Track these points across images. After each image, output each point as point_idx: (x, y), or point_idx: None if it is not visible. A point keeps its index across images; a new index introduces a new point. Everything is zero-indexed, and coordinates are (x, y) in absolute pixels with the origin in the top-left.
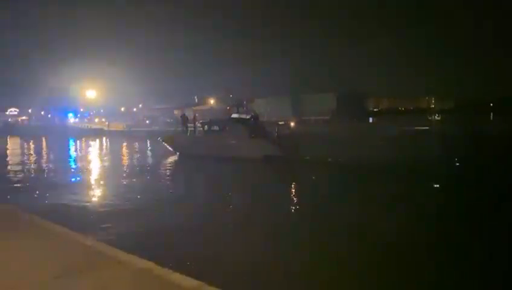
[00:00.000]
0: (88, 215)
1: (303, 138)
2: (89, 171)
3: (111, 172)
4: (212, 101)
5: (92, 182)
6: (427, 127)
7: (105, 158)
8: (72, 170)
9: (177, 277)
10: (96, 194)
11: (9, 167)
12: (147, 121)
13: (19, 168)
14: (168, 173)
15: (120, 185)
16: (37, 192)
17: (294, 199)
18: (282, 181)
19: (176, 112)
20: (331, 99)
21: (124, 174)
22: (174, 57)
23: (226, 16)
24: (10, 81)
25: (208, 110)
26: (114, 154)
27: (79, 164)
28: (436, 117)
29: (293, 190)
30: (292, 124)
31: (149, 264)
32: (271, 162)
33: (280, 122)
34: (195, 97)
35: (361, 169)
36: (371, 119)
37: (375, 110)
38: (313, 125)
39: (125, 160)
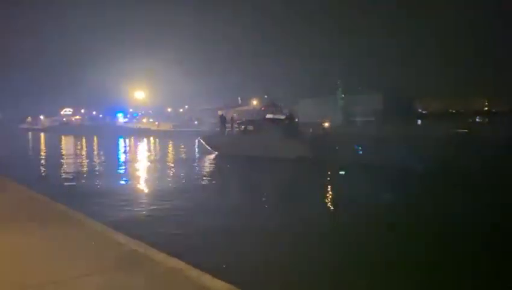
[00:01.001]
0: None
1: (340, 139)
2: (134, 167)
3: (155, 167)
4: (255, 102)
5: (139, 175)
6: (467, 130)
7: (150, 155)
8: (120, 164)
9: (207, 279)
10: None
11: (64, 160)
12: (195, 122)
13: (72, 160)
14: (204, 172)
15: (157, 189)
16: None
17: (331, 201)
18: (315, 183)
19: (219, 112)
20: (378, 100)
21: (162, 174)
22: (221, 58)
23: (271, 16)
24: (65, 82)
25: (249, 111)
26: (158, 152)
27: (126, 158)
28: (486, 119)
29: (328, 193)
30: (327, 124)
31: (181, 264)
32: (303, 163)
33: (323, 123)
34: (239, 98)
35: (399, 172)
36: (419, 122)
37: (423, 112)
38: (357, 127)
39: (167, 159)
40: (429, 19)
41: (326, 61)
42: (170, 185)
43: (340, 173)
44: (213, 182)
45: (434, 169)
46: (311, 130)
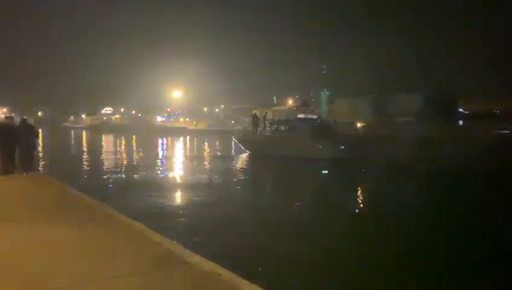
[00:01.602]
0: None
1: (375, 140)
2: (169, 164)
3: (188, 164)
4: (290, 102)
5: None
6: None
7: (184, 153)
8: (156, 161)
9: (245, 284)
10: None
11: (106, 155)
12: (232, 121)
13: (114, 155)
14: (233, 171)
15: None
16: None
17: (364, 203)
18: (346, 185)
19: (254, 111)
20: (417, 100)
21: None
22: (258, 57)
23: (309, 15)
24: (106, 82)
25: (284, 110)
26: (193, 151)
27: (162, 155)
28: None
29: (359, 195)
30: (360, 124)
31: (217, 268)
32: (334, 163)
33: (356, 123)
34: (274, 97)
35: (433, 173)
36: (460, 122)
37: (466, 112)
38: (395, 127)
39: (200, 157)
40: (473, 18)
41: (365, 60)
42: (200, 181)
43: (373, 173)
44: (241, 180)
45: (472, 170)
46: (344, 130)
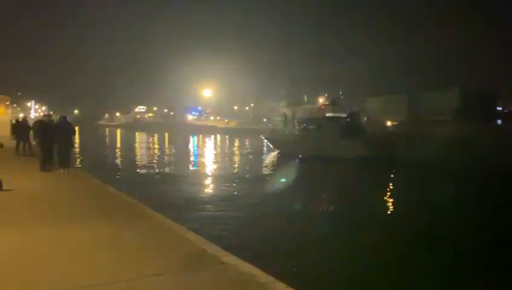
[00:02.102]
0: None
1: (405, 138)
2: (199, 160)
3: (218, 161)
4: (321, 100)
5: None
6: None
7: (215, 151)
8: (188, 157)
9: (281, 287)
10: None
11: (141, 151)
12: (264, 119)
13: (147, 151)
14: (261, 169)
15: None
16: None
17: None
18: (374, 185)
19: (285, 110)
20: (454, 98)
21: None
22: (288, 56)
23: (340, 14)
24: (140, 82)
25: (314, 109)
26: (223, 149)
27: (193, 152)
28: None
29: (388, 196)
30: (389, 123)
31: (253, 270)
32: (363, 162)
33: (386, 122)
34: (305, 96)
35: (462, 173)
36: (499, 121)
37: (505, 111)
38: (429, 126)
39: (230, 155)
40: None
41: (398, 58)
42: (227, 177)
43: (400, 173)
44: (267, 178)
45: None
46: (373, 128)
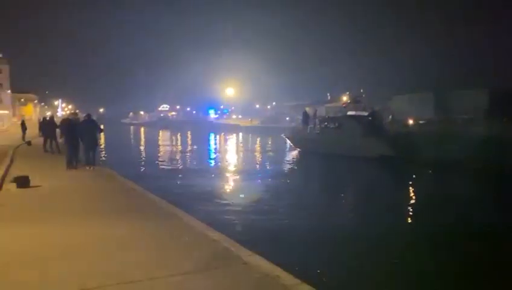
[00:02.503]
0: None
1: (430, 137)
2: (220, 158)
3: (238, 159)
4: (344, 98)
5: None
6: None
7: (236, 150)
8: (210, 154)
9: (306, 289)
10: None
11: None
12: (287, 118)
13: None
14: (280, 166)
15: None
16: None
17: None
18: (394, 185)
19: (307, 109)
20: (482, 97)
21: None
22: (311, 53)
23: (362, 12)
24: (163, 80)
25: (337, 107)
26: (244, 147)
27: (214, 150)
28: None
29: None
30: (411, 121)
31: (276, 271)
32: (385, 162)
33: (407, 120)
34: (328, 94)
35: (482, 173)
36: None
37: None
38: (455, 125)
39: (250, 153)
40: None
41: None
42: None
43: (421, 172)
44: (287, 175)
45: None
46: (398, 127)
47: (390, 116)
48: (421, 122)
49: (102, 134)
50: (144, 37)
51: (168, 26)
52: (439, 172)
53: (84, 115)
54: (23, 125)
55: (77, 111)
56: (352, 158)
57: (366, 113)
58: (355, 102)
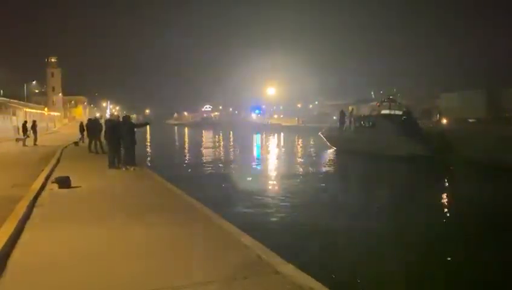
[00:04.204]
0: None
1: (467, 137)
2: (255, 156)
3: (275, 157)
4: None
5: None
6: None
7: (275, 148)
8: (250, 153)
9: None
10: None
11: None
12: (334, 117)
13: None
14: (310, 165)
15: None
16: None
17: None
18: (427, 186)
19: (350, 108)
20: None
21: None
22: (356, 52)
23: (405, 8)
24: (206, 81)
25: (374, 106)
26: (282, 146)
27: (254, 149)
28: None
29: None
30: (445, 121)
31: (312, 282)
32: (417, 162)
33: (440, 119)
34: (372, 92)
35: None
36: None
37: None
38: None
39: (286, 151)
40: None
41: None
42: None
43: (453, 172)
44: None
45: None
46: (441, 125)
47: (437, 115)
48: (470, 120)
49: (147, 134)
50: (189, 40)
51: (212, 29)
52: (466, 171)
53: (123, 116)
54: (81, 127)
55: (116, 112)
56: (385, 157)
57: (400, 112)
58: (390, 100)
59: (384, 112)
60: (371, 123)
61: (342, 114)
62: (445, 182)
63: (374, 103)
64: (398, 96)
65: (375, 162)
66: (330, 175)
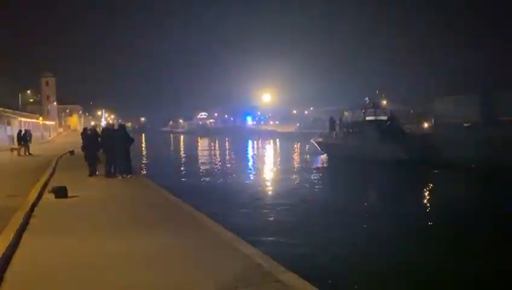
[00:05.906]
0: None
1: (450, 140)
2: (259, 163)
3: (266, 162)
4: (384, 102)
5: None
6: None
7: (267, 154)
8: (244, 159)
9: None
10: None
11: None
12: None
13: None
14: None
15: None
16: None
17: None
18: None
19: (345, 113)
20: None
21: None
22: (347, 57)
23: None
24: (201, 88)
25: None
26: (274, 152)
27: (248, 156)
28: None
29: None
30: (426, 125)
31: (311, 289)
32: (400, 165)
33: (423, 123)
34: (366, 98)
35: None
36: None
37: None
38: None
39: (278, 157)
40: None
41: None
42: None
43: (432, 173)
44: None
45: None
46: (434, 130)
47: (432, 119)
48: (465, 125)
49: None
50: (182, 46)
51: (208, 35)
52: (446, 172)
53: (118, 124)
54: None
55: (112, 121)
56: (370, 162)
57: (385, 118)
58: (375, 106)
59: (369, 118)
60: (356, 129)
61: (332, 121)
62: (417, 183)
63: (360, 110)
64: (385, 102)
65: (361, 167)
66: (317, 180)
